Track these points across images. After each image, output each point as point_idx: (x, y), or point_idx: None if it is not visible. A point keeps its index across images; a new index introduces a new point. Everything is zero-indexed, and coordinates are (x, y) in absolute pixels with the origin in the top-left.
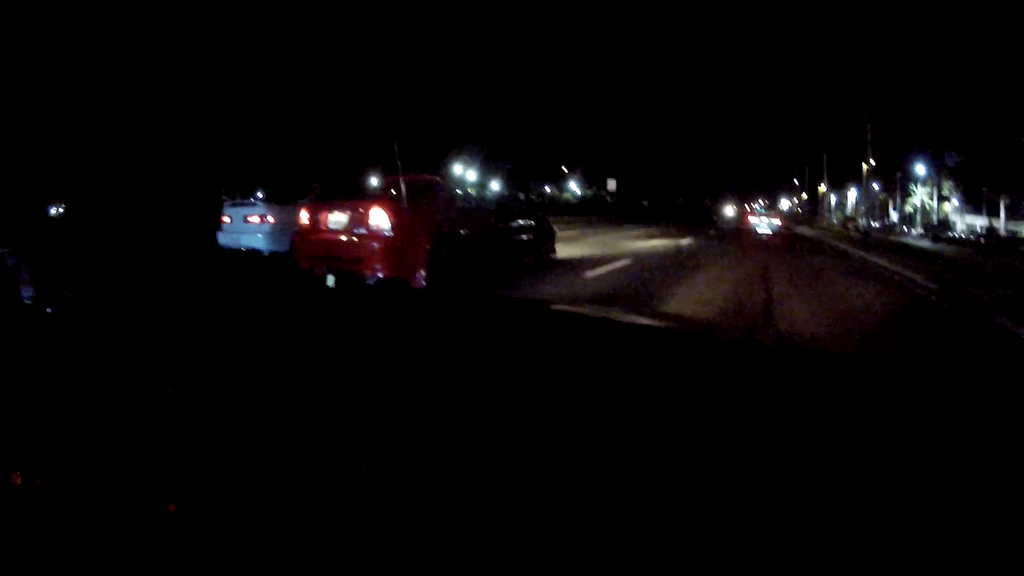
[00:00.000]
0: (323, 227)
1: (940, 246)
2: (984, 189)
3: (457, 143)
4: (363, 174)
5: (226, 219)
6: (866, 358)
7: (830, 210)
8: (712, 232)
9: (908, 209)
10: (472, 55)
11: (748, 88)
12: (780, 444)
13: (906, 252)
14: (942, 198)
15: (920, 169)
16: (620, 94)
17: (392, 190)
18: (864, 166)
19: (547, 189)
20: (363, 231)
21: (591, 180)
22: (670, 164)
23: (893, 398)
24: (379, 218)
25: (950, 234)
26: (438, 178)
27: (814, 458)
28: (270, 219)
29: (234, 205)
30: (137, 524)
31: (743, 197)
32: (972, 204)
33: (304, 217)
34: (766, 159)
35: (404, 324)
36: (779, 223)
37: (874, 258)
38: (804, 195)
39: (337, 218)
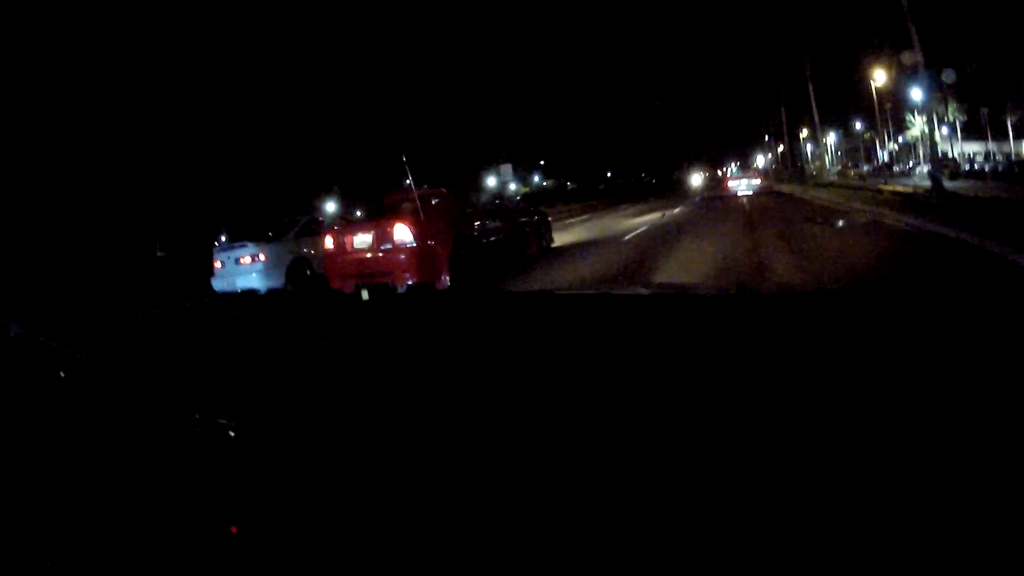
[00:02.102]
0: (349, 248)
1: (974, 183)
2: (985, 109)
3: (414, 148)
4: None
5: (218, 264)
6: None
7: (808, 160)
8: (680, 209)
9: (892, 147)
10: (415, 47)
11: (699, 39)
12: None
13: None
14: (944, 124)
15: (917, 94)
16: (569, 78)
17: (409, 204)
18: (874, 83)
19: (512, 186)
20: (389, 246)
21: (548, 171)
22: (631, 141)
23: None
24: (403, 232)
25: (965, 167)
26: (445, 190)
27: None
28: (261, 257)
29: (224, 249)
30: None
31: (714, 163)
32: (967, 130)
33: (329, 242)
34: (732, 116)
35: (439, 327)
36: (759, 182)
37: None
38: (780, 148)
39: (362, 238)
